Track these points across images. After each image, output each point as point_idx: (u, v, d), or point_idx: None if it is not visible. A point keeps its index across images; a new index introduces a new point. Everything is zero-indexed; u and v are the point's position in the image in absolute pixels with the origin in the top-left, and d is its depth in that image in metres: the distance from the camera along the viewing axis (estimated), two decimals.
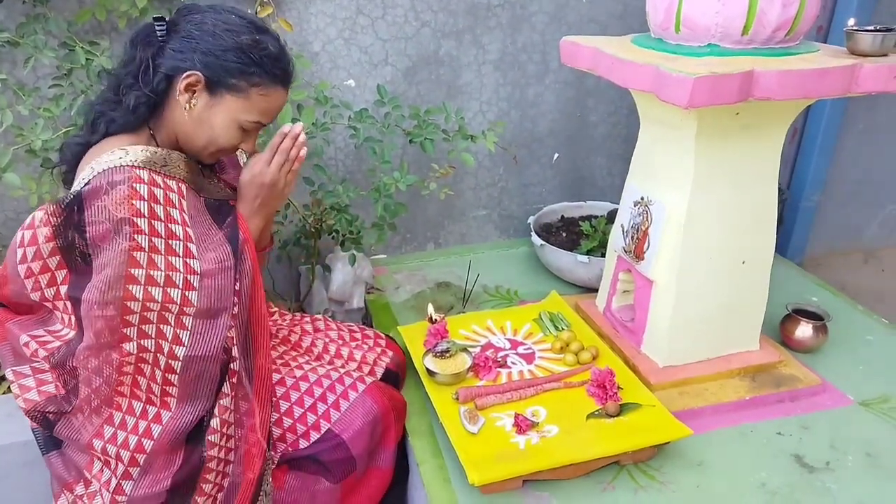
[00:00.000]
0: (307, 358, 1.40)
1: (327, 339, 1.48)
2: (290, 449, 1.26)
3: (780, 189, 1.55)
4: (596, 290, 1.78)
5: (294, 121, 1.45)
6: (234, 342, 1.16)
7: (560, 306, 1.73)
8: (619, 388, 1.38)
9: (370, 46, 1.90)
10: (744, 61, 1.22)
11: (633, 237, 1.51)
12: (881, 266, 2.71)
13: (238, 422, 1.19)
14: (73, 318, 1.11)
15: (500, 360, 1.52)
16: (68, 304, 1.11)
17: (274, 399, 1.27)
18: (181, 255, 1.10)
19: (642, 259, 1.48)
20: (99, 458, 1.12)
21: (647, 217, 1.46)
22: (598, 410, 1.35)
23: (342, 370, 1.36)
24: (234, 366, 1.17)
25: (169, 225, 1.10)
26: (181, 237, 1.11)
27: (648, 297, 1.48)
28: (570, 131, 2.19)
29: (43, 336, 1.14)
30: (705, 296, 1.45)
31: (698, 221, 1.38)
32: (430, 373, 1.44)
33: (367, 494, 1.33)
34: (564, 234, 2.06)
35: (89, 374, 1.08)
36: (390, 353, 1.51)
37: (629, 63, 1.27)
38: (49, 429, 1.15)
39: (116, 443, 1.10)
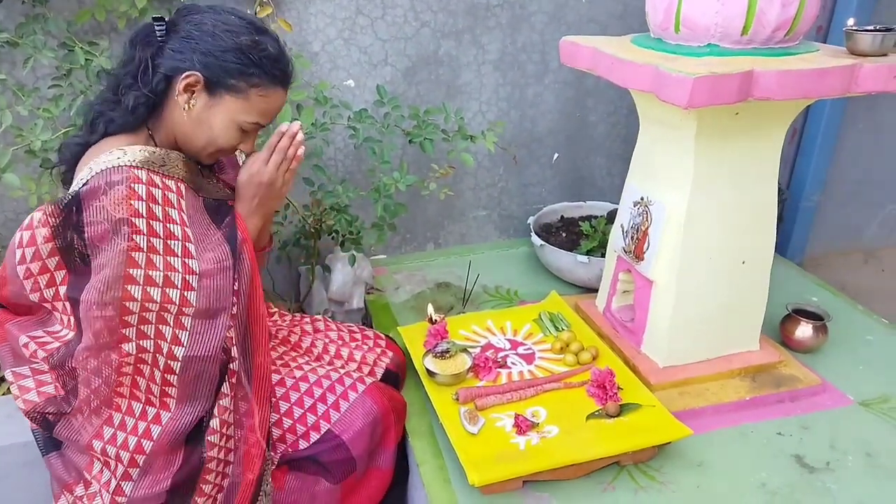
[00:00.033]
0: (307, 358, 1.40)
1: (327, 340, 1.48)
2: (289, 449, 1.26)
3: (780, 189, 1.55)
4: (596, 291, 1.77)
5: (293, 121, 1.45)
6: (233, 342, 1.15)
7: (560, 306, 1.73)
8: (619, 388, 1.38)
9: (370, 46, 1.89)
10: (743, 61, 1.21)
11: (632, 237, 1.51)
12: (881, 266, 2.71)
13: (237, 422, 1.19)
14: (72, 318, 1.11)
15: (500, 360, 1.52)
16: (67, 304, 1.11)
17: (274, 399, 1.27)
18: (180, 255, 1.10)
19: (642, 259, 1.48)
20: (98, 459, 1.12)
21: (646, 217, 1.46)
22: (598, 411, 1.35)
23: (342, 371, 1.36)
24: (234, 366, 1.17)
25: (167, 225, 1.10)
26: (180, 237, 1.11)
27: (648, 297, 1.48)
28: (569, 131, 2.19)
29: (42, 337, 1.14)
30: (705, 296, 1.45)
31: (698, 221, 1.38)
32: (430, 373, 1.44)
33: (367, 495, 1.33)
34: (564, 235, 2.06)
35: (88, 374, 1.08)
36: (390, 354, 1.51)
37: (629, 63, 1.27)
38: (49, 430, 1.15)
39: (116, 444, 1.10)
